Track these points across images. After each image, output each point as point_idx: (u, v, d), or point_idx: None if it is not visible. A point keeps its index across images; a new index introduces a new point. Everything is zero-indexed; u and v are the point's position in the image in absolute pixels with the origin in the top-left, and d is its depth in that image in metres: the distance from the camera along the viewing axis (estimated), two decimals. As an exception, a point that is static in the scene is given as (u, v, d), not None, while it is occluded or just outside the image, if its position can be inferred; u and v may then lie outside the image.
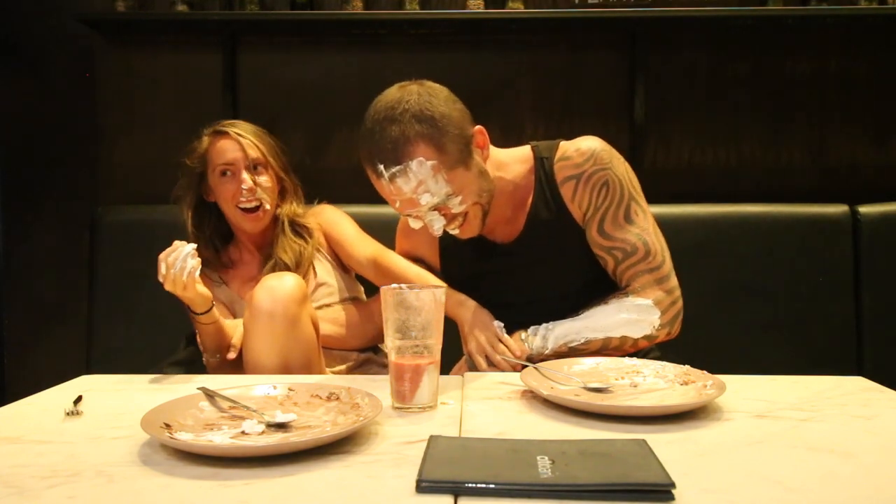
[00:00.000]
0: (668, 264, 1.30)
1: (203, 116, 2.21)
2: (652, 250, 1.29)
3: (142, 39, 2.26)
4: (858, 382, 1.09)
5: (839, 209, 1.93)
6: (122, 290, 1.96)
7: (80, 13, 2.13)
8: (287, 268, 1.51)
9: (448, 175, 1.18)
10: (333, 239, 1.62)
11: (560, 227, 1.32)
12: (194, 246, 1.23)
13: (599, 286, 1.32)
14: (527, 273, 1.34)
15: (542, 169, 1.34)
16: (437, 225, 1.24)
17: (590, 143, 1.32)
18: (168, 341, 1.68)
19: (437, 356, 0.96)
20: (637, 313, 1.25)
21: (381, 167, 1.17)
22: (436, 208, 1.22)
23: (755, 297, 1.89)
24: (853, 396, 1.01)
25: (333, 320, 1.53)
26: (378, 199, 2.12)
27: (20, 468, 0.75)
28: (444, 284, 1.37)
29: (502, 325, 1.29)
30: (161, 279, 1.23)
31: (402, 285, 0.98)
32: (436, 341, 0.96)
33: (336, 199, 1.73)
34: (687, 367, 1.08)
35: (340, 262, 1.64)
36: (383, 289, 0.97)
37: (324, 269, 1.59)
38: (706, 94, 2.23)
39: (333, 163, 2.25)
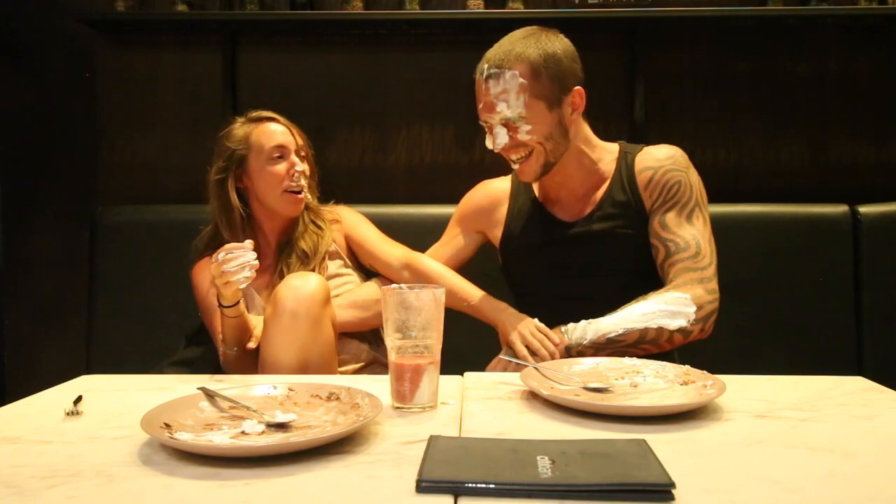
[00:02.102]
0: (713, 270, 1.34)
1: (203, 116, 2.20)
2: (702, 252, 1.34)
3: (142, 39, 2.26)
4: (858, 382, 1.10)
5: (839, 209, 1.93)
6: (122, 290, 1.96)
7: (80, 13, 2.13)
8: (305, 255, 1.54)
9: (528, 100, 1.32)
10: (355, 241, 1.64)
11: (629, 208, 1.40)
12: (254, 258, 1.23)
13: (646, 281, 1.36)
14: (586, 248, 1.41)
15: (625, 161, 1.45)
16: (501, 139, 1.36)
17: (672, 149, 1.44)
18: (168, 341, 1.68)
19: (437, 356, 0.97)
20: (675, 305, 1.28)
21: (486, 66, 1.34)
22: (505, 124, 1.34)
23: (755, 297, 1.89)
24: (853, 396, 1.01)
25: (352, 304, 1.52)
26: (377, 199, 2.12)
27: (20, 468, 0.75)
28: (481, 291, 1.46)
29: (537, 320, 1.36)
30: (214, 260, 1.24)
31: (403, 285, 0.98)
32: (436, 341, 0.96)
33: (335, 198, 1.73)
34: (687, 367, 1.08)
35: (355, 261, 1.65)
36: (383, 289, 0.98)
37: (335, 265, 1.60)
38: (706, 94, 2.23)
39: (333, 162, 2.24)
